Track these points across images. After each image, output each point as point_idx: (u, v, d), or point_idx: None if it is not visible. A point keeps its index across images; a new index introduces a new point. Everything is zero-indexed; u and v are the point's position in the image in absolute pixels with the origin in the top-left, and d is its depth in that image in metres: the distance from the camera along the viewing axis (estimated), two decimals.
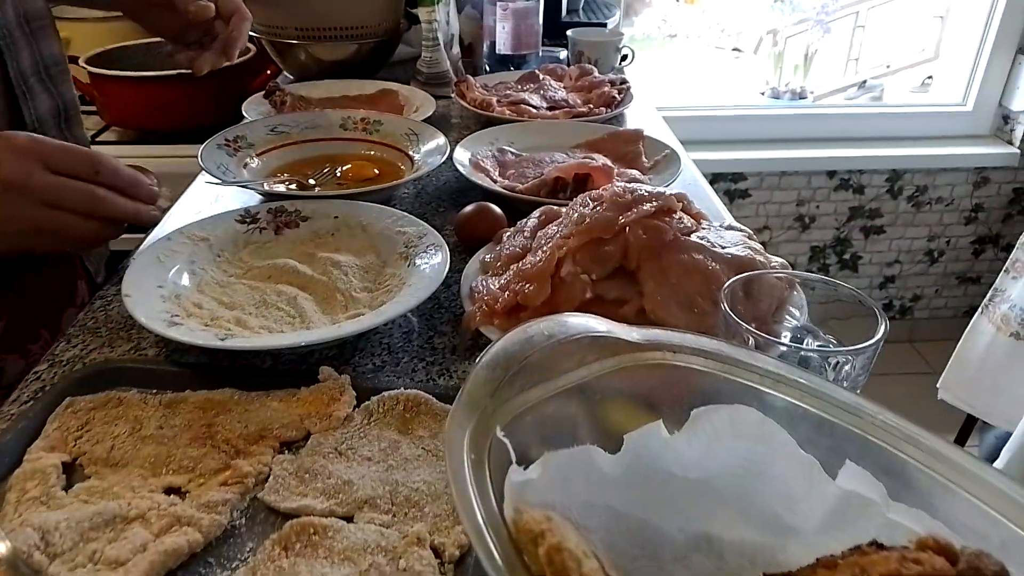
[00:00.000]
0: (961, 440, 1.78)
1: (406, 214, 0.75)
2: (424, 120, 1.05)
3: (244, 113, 1.10)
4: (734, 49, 4.16)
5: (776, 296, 0.59)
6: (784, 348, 0.49)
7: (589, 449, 0.42)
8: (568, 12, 1.65)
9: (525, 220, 0.73)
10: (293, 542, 0.43)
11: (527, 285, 0.61)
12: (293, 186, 0.89)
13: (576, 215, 0.63)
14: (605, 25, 1.59)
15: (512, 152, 0.98)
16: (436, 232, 0.72)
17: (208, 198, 0.90)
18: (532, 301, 0.60)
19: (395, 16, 1.32)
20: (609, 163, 0.88)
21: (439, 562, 0.43)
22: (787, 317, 0.60)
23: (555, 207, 0.73)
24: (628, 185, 0.65)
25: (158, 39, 1.52)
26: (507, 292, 0.62)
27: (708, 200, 0.90)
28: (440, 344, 0.64)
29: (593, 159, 0.89)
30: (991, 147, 2.33)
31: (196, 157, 0.86)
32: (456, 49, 1.33)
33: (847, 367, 0.49)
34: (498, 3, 1.28)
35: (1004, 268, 1.47)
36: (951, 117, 2.37)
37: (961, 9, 2.34)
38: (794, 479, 0.42)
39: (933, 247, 2.48)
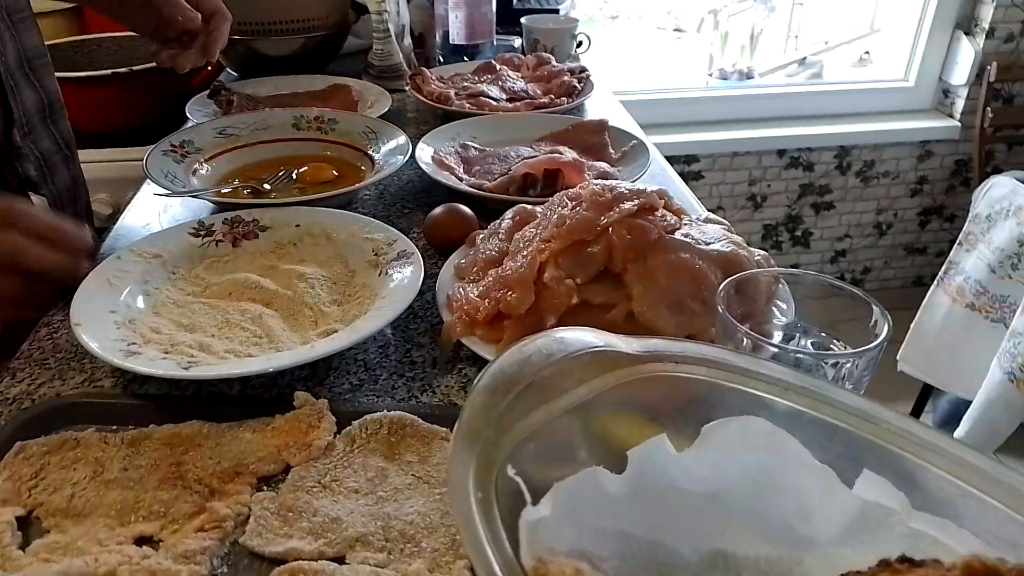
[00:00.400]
0: (918, 409, 1.83)
1: (373, 219, 0.71)
2: (380, 116, 1.01)
3: (188, 115, 1.04)
4: (675, 29, 4.18)
5: (764, 292, 0.58)
6: (797, 354, 0.47)
7: (595, 471, 0.40)
8: None
9: (499, 221, 0.70)
10: None
11: (509, 292, 0.58)
12: (248, 191, 0.84)
13: (555, 216, 0.61)
14: (557, 11, 1.56)
15: (475, 147, 0.94)
16: (405, 237, 0.69)
17: (155, 209, 0.85)
18: (515, 309, 0.57)
19: (343, 7, 1.27)
20: (579, 157, 0.86)
21: None
22: (775, 312, 0.59)
23: (528, 206, 0.70)
24: (607, 183, 0.63)
25: (90, 36, 1.45)
26: (487, 300, 0.59)
27: (680, 192, 0.88)
28: (419, 357, 0.61)
29: (561, 153, 0.86)
30: (933, 121, 2.39)
31: (133, 161, 0.82)
32: (408, 40, 1.29)
33: (848, 366, 0.48)
34: None
35: (958, 241, 1.50)
36: (894, 93, 2.42)
37: None
38: (808, 490, 0.40)
39: (881, 220, 2.53)
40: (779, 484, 0.41)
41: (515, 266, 0.60)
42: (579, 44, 1.40)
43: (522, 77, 1.20)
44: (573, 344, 0.42)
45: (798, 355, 0.49)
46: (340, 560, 0.42)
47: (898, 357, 1.60)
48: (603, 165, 0.86)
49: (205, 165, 0.87)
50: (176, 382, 0.56)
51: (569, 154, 0.86)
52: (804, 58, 3.21)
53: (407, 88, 1.20)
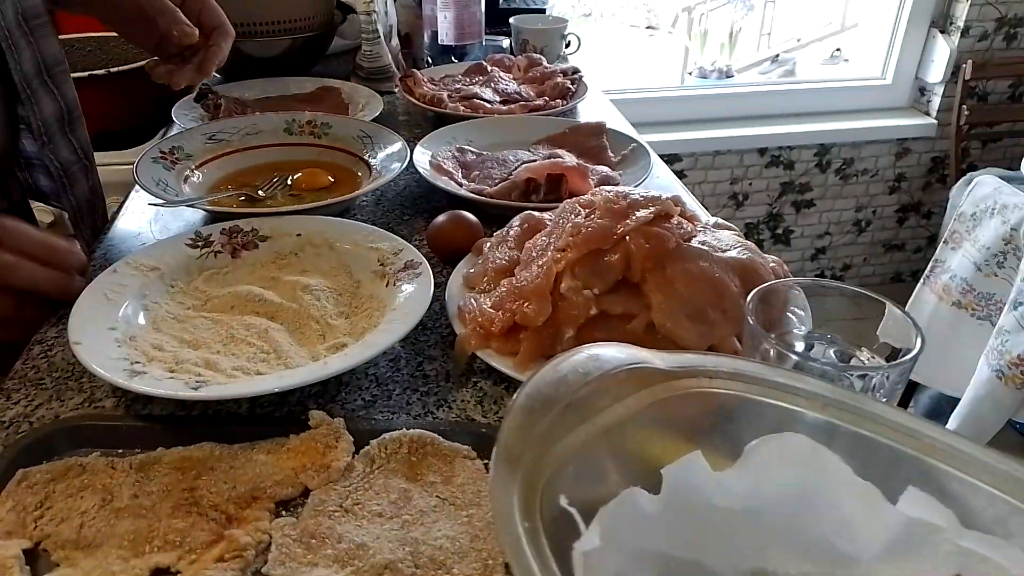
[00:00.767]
0: (902, 405, 1.84)
1: (377, 228, 0.70)
2: (374, 120, 0.99)
3: (174, 119, 1.01)
4: (648, 27, 4.19)
5: (783, 300, 0.57)
6: (828, 368, 0.46)
7: (633, 492, 0.39)
8: None
9: (506, 229, 0.69)
10: None
11: (525, 304, 0.57)
12: (243, 198, 0.81)
13: (569, 225, 0.59)
14: (544, 10, 1.55)
15: (472, 151, 0.93)
16: (412, 246, 0.67)
17: (145, 217, 0.82)
18: (532, 321, 0.56)
19: (328, 7, 1.24)
20: (582, 162, 0.85)
21: None
22: (794, 320, 0.58)
23: (536, 214, 0.69)
24: (620, 190, 0.62)
25: (64, 37, 1.40)
26: (502, 312, 0.58)
27: (682, 196, 0.87)
28: (431, 371, 0.60)
29: (562, 157, 0.85)
30: (910, 119, 2.42)
31: (113, 166, 0.79)
32: (395, 41, 1.27)
33: (878, 378, 0.47)
34: None
35: (943, 239, 1.52)
36: (872, 91, 2.44)
37: None
38: (851, 507, 0.40)
39: (860, 217, 2.56)
40: (820, 501, 0.40)
41: (529, 276, 0.58)
42: (568, 44, 1.39)
43: (514, 79, 1.18)
44: (609, 361, 0.41)
45: (825, 366, 0.49)
46: None
47: None
48: (605, 169, 0.85)
49: (196, 172, 0.85)
50: (182, 402, 0.54)
51: (571, 158, 0.85)
52: (777, 55, 3.24)
53: (396, 90, 1.18)
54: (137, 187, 0.85)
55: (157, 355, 0.55)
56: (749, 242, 0.65)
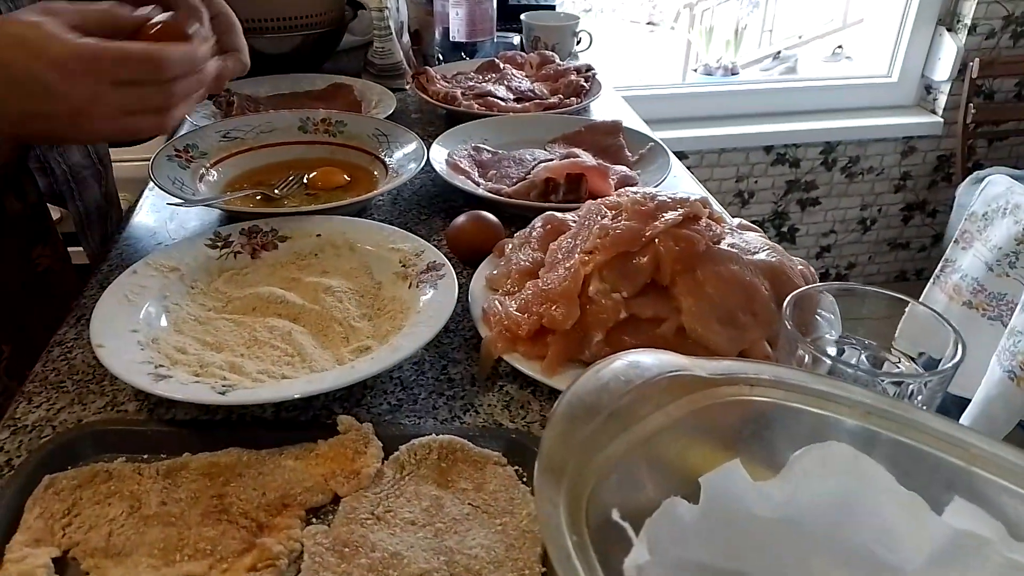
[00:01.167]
0: None
1: (397, 228, 0.69)
2: (386, 117, 0.98)
3: (187, 116, 1.00)
4: (648, 23, 4.17)
5: (814, 303, 0.56)
6: (862, 374, 0.46)
7: (673, 502, 0.38)
8: None
9: (529, 230, 0.68)
10: None
11: (553, 307, 0.56)
12: (259, 197, 0.81)
13: (596, 227, 0.59)
14: (553, 7, 1.54)
15: (488, 150, 0.92)
16: (433, 247, 0.66)
17: (162, 216, 0.82)
18: (560, 324, 0.55)
19: (339, 3, 1.23)
20: (602, 162, 0.84)
21: None
22: (823, 324, 0.58)
23: (559, 215, 0.68)
24: (647, 191, 0.61)
25: None
26: (528, 315, 0.57)
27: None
28: (456, 374, 0.59)
29: (580, 156, 0.84)
30: (916, 117, 2.41)
31: (124, 162, 0.77)
32: (406, 38, 1.26)
33: (914, 385, 0.47)
34: None
35: (954, 239, 1.51)
36: (878, 89, 2.43)
37: None
38: (894, 517, 0.39)
39: (866, 216, 2.55)
40: (861, 509, 0.40)
41: (556, 279, 0.58)
42: (579, 41, 1.38)
43: (526, 76, 1.17)
44: (649, 369, 0.40)
45: (860, 372, 0.48)
46: None
47: None
48: (624, 169, 0.85)
49: (212, 170, 0.84)
50: (206, 406, 0.53)
51: (590, 158, 0.84)
52: (779, 52, 3.23)
53: (408, 87, 1.17)
54: (151, 184, 0.85)
55: (181, 358, 0.55)
56: (776, 244, 0.64)
